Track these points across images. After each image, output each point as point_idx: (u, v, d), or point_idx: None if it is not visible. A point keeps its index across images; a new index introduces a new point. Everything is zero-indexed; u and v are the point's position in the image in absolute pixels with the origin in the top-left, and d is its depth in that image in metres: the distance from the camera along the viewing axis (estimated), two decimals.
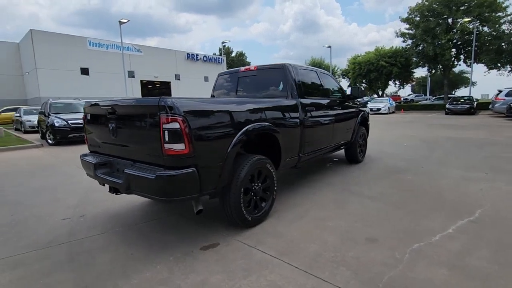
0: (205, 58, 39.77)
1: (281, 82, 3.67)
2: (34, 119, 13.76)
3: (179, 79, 37.16)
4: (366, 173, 4.85)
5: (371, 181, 4.37)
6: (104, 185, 2.79)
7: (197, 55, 38.83)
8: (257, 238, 2.65)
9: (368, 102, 26.90)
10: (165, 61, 35.39)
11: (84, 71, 28.81)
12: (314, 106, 3.90)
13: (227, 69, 45.79)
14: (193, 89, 36.69)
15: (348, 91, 5.08)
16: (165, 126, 2.09)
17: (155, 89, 38.91)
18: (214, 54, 44.54)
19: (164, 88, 37.58)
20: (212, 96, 4.50)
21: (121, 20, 21.28)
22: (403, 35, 27.47)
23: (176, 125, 2.09)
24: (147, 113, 2.26)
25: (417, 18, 25.71)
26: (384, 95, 47.04)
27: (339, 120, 4.61)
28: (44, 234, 2.86)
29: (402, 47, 29.58)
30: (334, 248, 2.43)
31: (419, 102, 31.50)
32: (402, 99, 43.03)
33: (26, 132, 14.35)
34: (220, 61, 42.51)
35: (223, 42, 29.04)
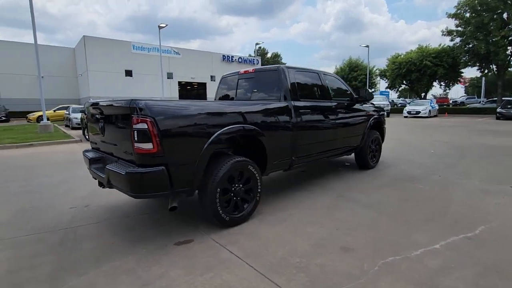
0: (240, 60, 40.49)
1: (276, 85, 3.66)
2: (80, 116, 15.22)
3: (214, 80, 38.29)
4: (373, 180, 4.61)
5: (375, 189, 4.15)
6: (95, 178, 3.05)
7: (232, 56, 39.70)
8: (231, 238, 2.70)
9: (407, 105, 25.27)
10: (202, 62, 36.73)
11: (128, 73, 31.06)
12: (311, 109, 3.82)
13: None
14: None
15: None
16: (134, 126, 2.24)
17: (193, 89, 40.58)
18: (250, 55, 45.12)
19: (200, 89, 39.03)
20: (215, 98, 4.63)
21: (160, 25, 22.59)
22: (450, 33, 25.25)
23: (144, 126, 2.22)
24: (123, 113, 2.43)
25: (467, 14, 23.47)
26: (432, 96, 43.60)
27: (344, 124, 4.46)
28: (49, 220, 3.20)
29: (449, 46, 27.21)
30: (302, 254, 2.39)
31: (468, 105, 28.76)
32: (450, 101, 39.61)
33: (73, 128, 15.88)
34: (255, 62, 43.00)
35: (257, 44, 29.40)
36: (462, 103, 36.46)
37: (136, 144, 2.26)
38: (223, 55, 38.88)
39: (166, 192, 2.42)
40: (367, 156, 5.10)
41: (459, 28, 24.60)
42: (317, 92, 4.15)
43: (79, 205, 3.70)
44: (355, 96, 4.74)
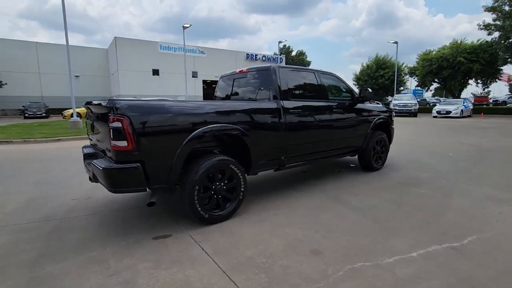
0: (264, 58, 40.49)
1: (266, 84, 3.66)
2: None
3: None
4: (373, 182, 4.44)
5: (371, 191, 4.01)
6: (87, 172, 3.25)
7: (256, 55, 39.81)
8: (208, 235, 2.76)
9: (437, 104, 23.87)
10: (226, 61, 37.20)
11: (155, 72, 32.29)
12: (303, 109, 3.77)
13: None
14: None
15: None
16: (111, 125, 2.37)
17: None
18: (275, 53, 44.94)
19: None
20: (215, 97, 4.71)
21: (184, 25, 23.21)
22: (487, 27, 23.35)
23: (119, 124, 2.34)
24: (104, 113, 2.57)
25: (506, 8, 21.55)
26: (472, 95, 40.44)
27: (342, 124, 4.35)
28: (50, 210, 3.47)
29: (487, 41, 25.18)
30: (271, 255, 2.39)
31: (509, 105, 26.47)
32: (491, 100, 36.69)
33: None
34: (278, 60, 42.78)
35: (280, 42, 29.16)
36: (504, 102, 33.60)
37: (112, 142, 2.39)
38: (247, 54, 39.10)
39: (142, 188, 2.53)
40: (370, 157, 4.93)
41: (497, 22, 22.67)
42: (312, 92, 4.08)
43: (81, 197, 3.95)
44: (356, 96, 4.59)
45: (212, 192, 2.95)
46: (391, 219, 3.08)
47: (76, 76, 32.96)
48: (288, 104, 3.60)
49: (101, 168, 2.40)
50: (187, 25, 23.16)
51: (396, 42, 28.62)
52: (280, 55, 45.99)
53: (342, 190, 4.08)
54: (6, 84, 27.25)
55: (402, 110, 22.21)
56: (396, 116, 22.11)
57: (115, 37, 29.79)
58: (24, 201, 3.81)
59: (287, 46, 48.88)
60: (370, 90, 4.57)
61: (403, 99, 24.23)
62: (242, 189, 3.15)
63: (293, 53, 48.54)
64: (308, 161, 4.15)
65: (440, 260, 2.27)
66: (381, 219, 3.10)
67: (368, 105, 4.85)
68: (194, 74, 34.65)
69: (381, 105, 5.61)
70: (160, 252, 2.45)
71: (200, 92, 36.18)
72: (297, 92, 3.85)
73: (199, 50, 35.16)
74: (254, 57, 39.69)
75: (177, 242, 2.63)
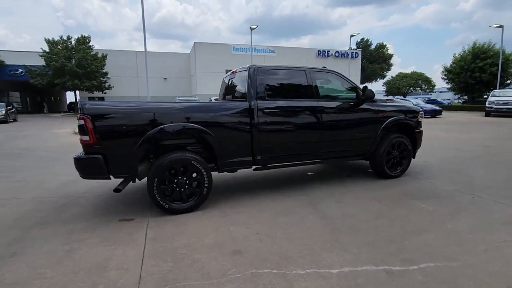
0: (337, 54, 38.69)
1: (244, 84, 3.71)
2: None
3: None
4: (374, 191, 3.98)
5: (360, 201, 3.63)
6: None
7: (328, 51, 38.33)
8: (161, 223, 3.04)
9: None
10: (297, 59, 36.98)
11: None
12: (281, 109, 3.68)
13: (362, 64, 42.65)
14: None
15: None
16: (78, 122, 2.88)
17: None
18: (350, 48, 42.33)
19: None
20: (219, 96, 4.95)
21: (252, 27, 24.14)
22: None
23: (82, 122, 2.83)
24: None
25: None
26: None
27: (336, 125, 4.04)
28: (73, 190, 4.30)
29: None
30: (194, 248, 2.51)
31: None
32: None
33: None
34: (355, 55, 40.17)
35: (352, 35, 27.18)
36: None
37: (80, 136, 2.90)
38: (318, 51, 38.02)
39: (105, 176, 2.99)
40: (383, 163, 4.39)
41: None
42: (299, 92, 3.91)
43: (106, 181, 4.75)
44: (361, 95, 4.16)
45: (175, 185, 3.22)
46: (352, 232, 2.79)
47: (164, 78, 38.12)
48: (264, 104, 3.57)
49: (73, 158, 2.94)
50: (254, 26, 24.03)
51: (501, 26, 23.35)
52: (356, 49, 43.07)
53: (328, 196, 3.81)
54: (113, 86, 33.32)
55: (501, 108, 18.18)
56: (494, 115, 18.31)
57: (194, 42, 33.09)
58: (63, 181, 4.80)
59: (365, 39, 45.28)
60: (370, 88, 4.08)
61: (506, 95, 19.75)
62: (206, 185, 3.32)
63: (372, 47, 44.68)
64: (297, 163, 4.01)
65: (357, 281, 2.01)
66: (342, 230, 2.83)
67: (378, 104, 4.32)
68: None
69: (404, 103, 4.87)
70: (113, 232, 2.86)
71: None
72: (278, 92, 3.77)
73: (269, 50, 35.94)
74: (326, 54, 38.32)
75: (132, 226, 3.00)
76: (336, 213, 3.24)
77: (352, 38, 27.63)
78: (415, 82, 47.66)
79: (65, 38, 28.66)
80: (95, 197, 3.99)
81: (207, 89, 31.88)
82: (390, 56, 45.85)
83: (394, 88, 47.90)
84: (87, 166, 2.94)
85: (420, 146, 4.89)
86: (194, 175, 3.29)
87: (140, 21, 15.68)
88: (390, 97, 18.31)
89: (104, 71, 30.28)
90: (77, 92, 30.75)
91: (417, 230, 2.80)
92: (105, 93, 31.69)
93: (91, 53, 29.10)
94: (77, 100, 36.66)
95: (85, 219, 3.20)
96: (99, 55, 29.58)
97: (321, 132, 3.93)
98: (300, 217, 3.17)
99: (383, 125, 4.31)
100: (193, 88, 36.91)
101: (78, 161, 2.92)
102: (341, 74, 4.30)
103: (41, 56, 27.35)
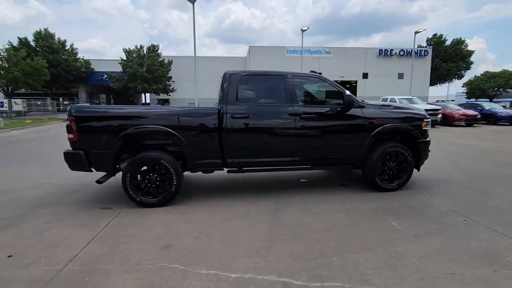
0: (401, 53, 35.42)
1: (220, 89, 3.88)
2: None
3: (366, 78, 35.72)
4: (351, 203, 3.72)
5: (330, 211, 3.46)
6: None
7: (391, 50, 35.36)
8: (129, 213, 3.43)
9: None
10: (354, 60, 35.12)
11: None
12: (253, 114, 3.73)
13: (433, 62, 38.04)
14: (382, 88, 33.91)
15: None
16: (66, 123, 3.44)
17: None
18: (419, 46, 38.28)
19: (349, 88, 37.58)
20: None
21: (303, 28, 23.86)
22: None
23: (68, 122, 3.38)
24: None
25: None
26: None
27: (316, 131, 3.91)
28: (88, 179, 5.06)
29: None
30: (132, 237, 2.81)
31: None
32: None
33: None
34: (424, 53, 36.24)
35: (416, 32, 24.43)
36: None
37: (67, 134, 3.47)
38: (380, 50, 35.37)
39: (87, 169, 3.51)
40: (373, 174, 4.06)
41: None
42: (273, 96, 3.89)
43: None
44: (346, 100, 3.93)
45: (146, 181, 3.58)
46: (289, 242, 2.73)
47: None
48: (233, 109, 3.69)
49: (63, 152, 3.53)
50: (305, 28, 23.71)
51: None
52: (426, 47, 38.75)
53: (300, 204, 3.72)
54: (176, 89, 36.61)
55: None
56: None
57: (249, 46, 34.17)
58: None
59: (438, 35, 40.19)
60: (348, 92, 3.80)
61: None
62: (175, 183, 3.60)
63: (447, 43, 39.42)
64: (272, 168, 4.00)
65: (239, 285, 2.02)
66: (280, 239, 2.80)
67: (367, 110, 4.00)
68: None
69: (407, 109, 4.36)
70: (88, 217, 3.34)
71: None
72: (251, 97, 3.83)
73: (325, 51, 34.93)
74: (389, 53, 35.45)
75: (106, 213, 3.45)
76: (291, 222, 3.17)
77: (417, 34, 24.83)
78: (506, 82, 40.34)
79: (139, 47, 32.67)
80: (98, 187, 4.61)
81: None
82: (470, 53, 39.75)
83: (477, 89, 41.49)
84: (71, 160, 3.50)
85: (427, 157, 4.35)
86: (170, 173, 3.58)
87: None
88: (390, 101, 16.22)
89: (169, 75, 33.48)
90: (147, 94, 34.73)
91: (359, 248, 2.59)
92: (169, 95, 34.94)
93: (159, 59, 32.51)
94: (146, 101, 41.37)
95: (77, 204, 3.79)
96: (166, 61, 32.85)
97: (297, 138, 3.85)
98: (252, 221, 3.20)
99: (374, 133, 3.98)
100: None
101: (65, 155, 3.50)
102: (326, 79, 4.12)
103: (119, 63, 31.72)
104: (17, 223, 3.21)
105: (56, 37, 32.77)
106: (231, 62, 40.15)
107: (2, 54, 24.77)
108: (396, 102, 15.64)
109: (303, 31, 24.16)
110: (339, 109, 3.96)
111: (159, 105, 5.28)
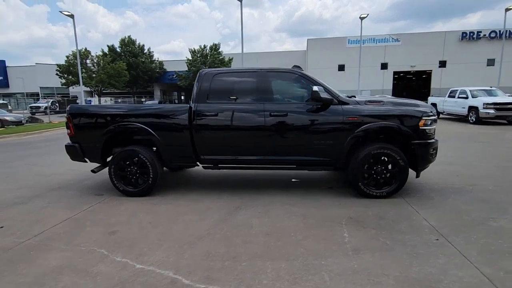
0: (492, 35, 29.67)
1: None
2: None
3: (444, 66, 31.09)
4: (316, 208, 3.46)
5: (288, 214, 3.30)
6: None
7: (478, 32, 29.99)
8: (112, 200, 3.90)
9: None
10: (429, 46, 30.94)
11: (341, 68, 32.82)
12: (222, 112, 3.77)
13: None
14: (464, 77, 29.03)
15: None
16: (67, 120, 4.07)
17: (411, 81, 35.36)
18: None
19: (421, 79, 33.25)
20: None
21: (361, 16, 22.08)
22: None
23: (66, 120, 4.00)
24: None
25: None
26: None
27: (288, 130, 3.74)
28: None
29: None
30: (97, 222, 3.20)
31: None
32: None
33: None
34: None
35: (507, 9, 19.80)
36: None
37: (66, 130, 4.10)
38: (463, 33, 30.30)
39: (82, 160, 4.09)
40: (356, 178, 3.67)
41: None
42: (245, 94, 3.84)
43: None
44: (329, 98, 3.62)
45: (128, 172, 3.99)
46: (216, 241, 2.75)
47: None
48: (203, 107, 3.79)
49: (64, 145, 4.19)
50: (364, 15, 21.88)
51: None
52: None
53: (266, 204, 3.63)
54: None
55: None
56: None
57: (307, 39, 33.24)
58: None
59: None
60: (316, 88, 3.45)
61: None
62: (151, 176, 3.92)
63: None
64: (247, 166, 3.98)
65: (136, 278, 2.15)
66: (210, 237, 2.84)
67: (348, 107, 3.60)
68: (383, 66, 31.74)
69: (403, 105, 3.72)
70: (79, 201, 3.91)
71: (389, 85, 32.68)
72: (222, 95, 3.85)
73: (392, 38, 31.64)
74: (475, 36, 30.11)
75: (94, 199, 3.98)
76: (238, 222, 3.15)
77: (508, 12, 20.42)
78: None
79: (202, 47, 35.04)
80: (107, 176, 5.27)
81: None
82: None
83: None
84: (69, 151, 4.13)
85: (430, 161, 3.71)
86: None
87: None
88: (460, 92, 13.10)
89: None
90: None
91: (279, 256, 2.45)
92: None
93: (220, 57, 34.30)
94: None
95: (80, 190, 4.46)
96: (226, 59, 34.46)
97: (267, 137, 3.74)
98: (202, 218, 3.29)
99: (355, 132, 3.58)
100: None
101: (66, 147, 4.15)
102: (305, 74, 3.87)
103: (186, 63, 34.63)
104: (28, 201, 3.97)
105: (137, 43, 37.57)
106: (290, 56, 39.76)
107: (94, 60, 29.78)
108: (467, 93, 13.35)
109: (361, 18, 22.35)
110: (314, 106, 3.69)
111: (143, 104, 5.66)
